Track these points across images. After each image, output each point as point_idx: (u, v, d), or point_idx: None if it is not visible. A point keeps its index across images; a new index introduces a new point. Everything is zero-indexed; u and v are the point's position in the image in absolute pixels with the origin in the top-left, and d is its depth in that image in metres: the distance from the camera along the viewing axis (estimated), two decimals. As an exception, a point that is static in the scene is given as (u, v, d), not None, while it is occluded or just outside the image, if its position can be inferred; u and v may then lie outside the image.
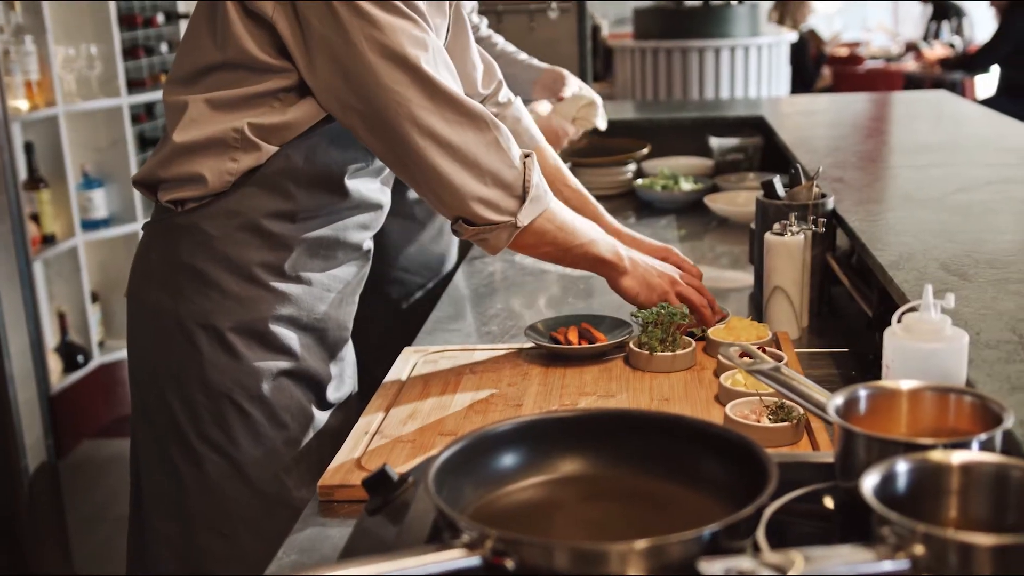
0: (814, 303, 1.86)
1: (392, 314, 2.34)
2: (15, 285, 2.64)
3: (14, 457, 2.58)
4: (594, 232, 1.61)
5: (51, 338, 4.05)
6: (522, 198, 1.47)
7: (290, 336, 1.51)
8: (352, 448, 1.36)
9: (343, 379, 1.65)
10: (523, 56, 2.73)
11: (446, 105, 1.41)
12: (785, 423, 1.32)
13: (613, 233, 1.75)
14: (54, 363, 3.99)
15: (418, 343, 1.81)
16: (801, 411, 1.34)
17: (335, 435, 1.56)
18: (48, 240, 3.90)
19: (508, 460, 1.00)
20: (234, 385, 1.47)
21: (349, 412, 1.64)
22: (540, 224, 1.51)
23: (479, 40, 2.53)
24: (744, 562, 0.72)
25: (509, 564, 0.81)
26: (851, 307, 1.89)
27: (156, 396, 1.50)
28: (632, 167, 2.97)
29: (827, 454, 1.07)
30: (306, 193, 1.47)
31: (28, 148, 3.87)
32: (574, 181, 1.90)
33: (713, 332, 1.65)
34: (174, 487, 1.50)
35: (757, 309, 1.90)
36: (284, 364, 1.51)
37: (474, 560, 0.81)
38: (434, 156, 1.41)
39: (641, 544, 0.79)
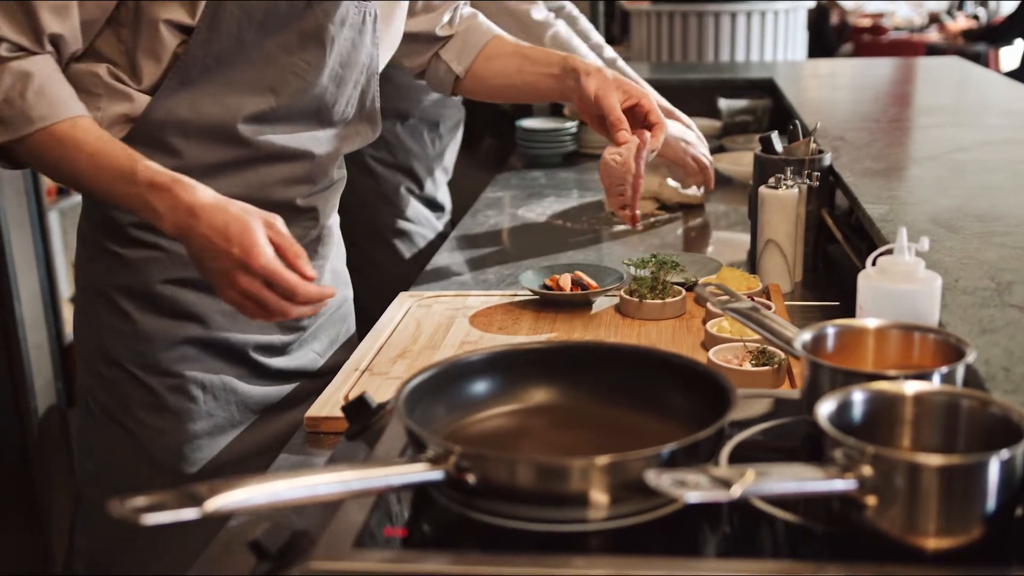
0: (808, 258, 1.87)
1: (397, 263, 2.38)
2: (26, 231, 2.68)
3: (23, 399, 2.63)
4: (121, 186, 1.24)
5: (66, 288, 4.09)
6: None
7: (198, 302, 1.40)
8: (341, 384, 1.39)
9: (307, 347, 1.55)
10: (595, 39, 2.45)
11: None
12: (766, 367, 1.34)
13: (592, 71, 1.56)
14: (69, 313, 4.04)
15: (415, 289, 1.84)
16: (783, 356, 1.36)
17: (295, 403, 1.52)
18: (64, 191, 3.94)
19: (480, 388, 1.02)
20: (127, 352, 1.40)
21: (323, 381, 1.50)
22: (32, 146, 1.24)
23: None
24: (690, 474, 0.74)
25: (471, 479, 0.83)
26: (847, 264, 1.90)
27: (77, 358, 1.49)
28: (640, 127, 2.97)
29: (797, 392, 1.09)
30: (196, 147, 1.34)
31: (44, 100, 3.90)
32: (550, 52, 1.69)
33: (704, 282, 1.66)
34: (86, 454, 1.49)
35: (753, 267, 1.91)
36: (190, 331, 1.41)
37: (437, 474, 0.84)
38: None
39: (601, 460, 0.82)
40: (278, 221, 1.20)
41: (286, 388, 1.53)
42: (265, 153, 1.40)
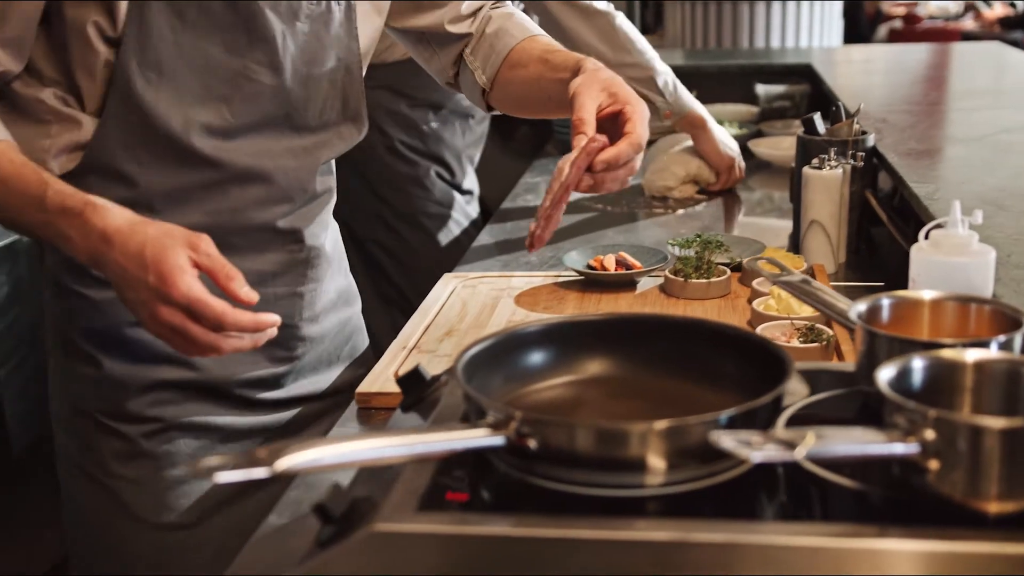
0: (852, 239, 1.87)
1: (432, 246, 2.42)
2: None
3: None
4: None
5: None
6: None
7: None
8: (389, 361, 1.40)
9: (305, 378, 1.43)
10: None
11: None
12: (815, 344, 1.34)
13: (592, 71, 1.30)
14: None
15: (458, 270, 1.85)
16: (831, 333, 1.36)
17: (300, 427, 1.42)
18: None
19: (536, 359, 1.03)
20: (96, 400, 1.30)
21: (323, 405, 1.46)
22: None
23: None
24: (755, 435, 0.75)
25: (532, 444, 0.84)
26: (890, 247, 1.89)
27: (51, 412, 1.38)
28: (677, 113, 2.97)
29: (849, 364, 1.09)
30: (153, 172, 1.22)
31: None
32: (569, 55, 1.40)
33: (748, 262, 1.66)
34: (69, 514, 1.39)
35: (795, 249, 1.91)
36: (164, 374, 1.29)
37: (498, 440, 0.85)
38: None
39: (660, 425, 0.82)
40: (204, 241, 1.07)
41: (286, 415, 1.41)
42: (232, 173, 1.26)
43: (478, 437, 0.85)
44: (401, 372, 1.35)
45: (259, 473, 0.74)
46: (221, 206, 1.26)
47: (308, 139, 1.33)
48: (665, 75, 2.21)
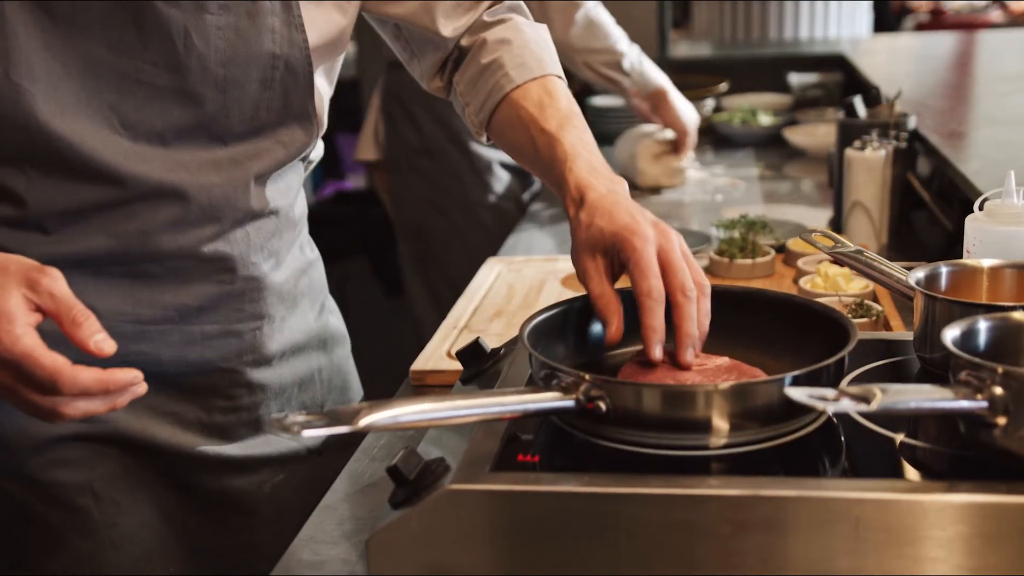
0: (894, 222, 1.87)
1: (482, 233, 2.45)
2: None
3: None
4: None
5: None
6: None
7: None
8: (441, 340, 1.42)
9: (259, 428, 1.22)
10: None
11: None
12: (864, 319, 1.35)
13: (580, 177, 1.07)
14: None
15: (502, 255, 1.87)
16: (880, 309, 1.37)
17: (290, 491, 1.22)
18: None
19: (598, 329, 1.04)
20: None
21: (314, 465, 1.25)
22: None
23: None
24: (828, 391, 0.76)
25: (602, 406, 0.86)
26: (931, 230, 1.90)
27: None
28: (711, 103, 2.98)
29: (906, 333, 1.10)
30: (43, 188, 1.02)
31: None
32: (553, 124, 1.13)
33: (792, 243, 1.67)
34: None
35: (836, 232, 1.91)
36: (62, 428, 1.07)
37: (569, 402, 0.86)
38: None
39: (725, 385, 0.84)
40: (48, 277, 0.87)
41: (263, 477, 1.22)
42: (137, 190, 1.04)
43: (550, 400, 0.86)
44: (456, 348, 1.37)
45: (342, 429, 0.76)
46: (127, 228, 1.05)
47: (236, 148, 1.09)
48: (630, 55, 2.27)
